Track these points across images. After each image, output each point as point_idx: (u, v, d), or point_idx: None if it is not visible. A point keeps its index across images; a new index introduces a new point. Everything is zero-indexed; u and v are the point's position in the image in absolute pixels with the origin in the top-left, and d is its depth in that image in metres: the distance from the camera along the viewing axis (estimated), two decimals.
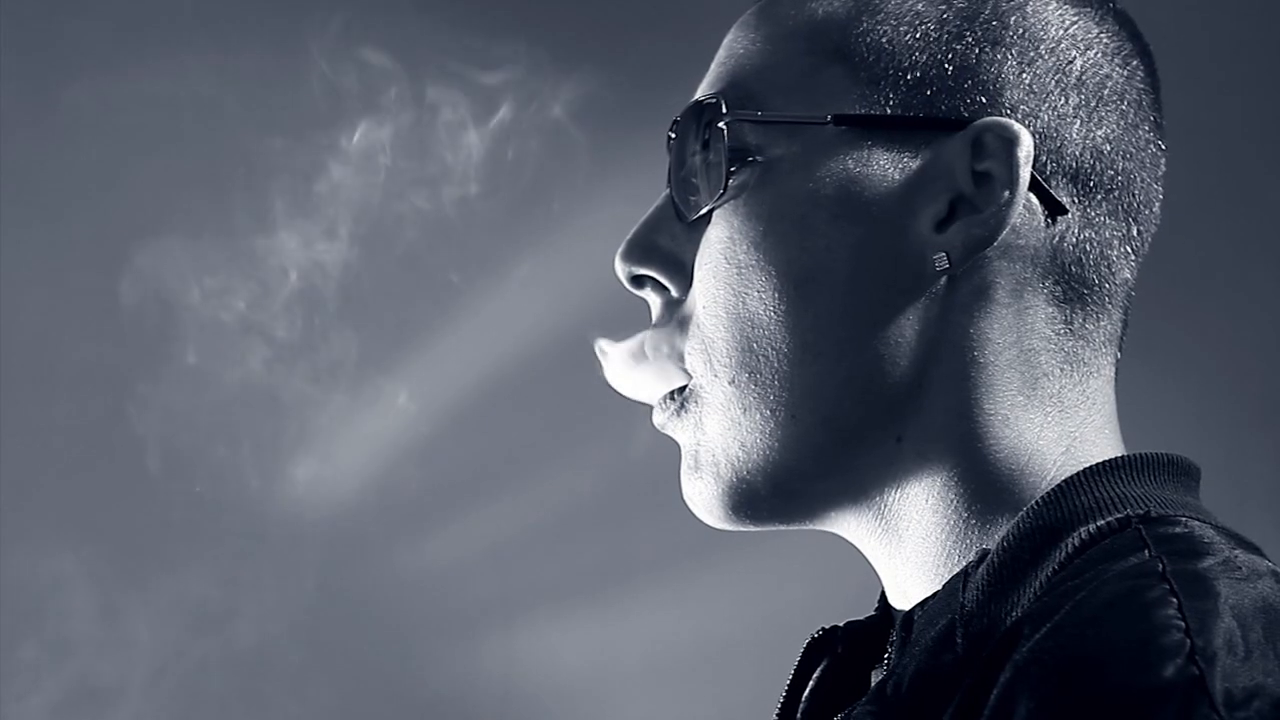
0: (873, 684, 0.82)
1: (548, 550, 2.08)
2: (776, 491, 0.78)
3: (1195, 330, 2.00)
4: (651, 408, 0.84)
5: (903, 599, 0.79)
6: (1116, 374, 0.80)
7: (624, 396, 0.86)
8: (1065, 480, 0.73)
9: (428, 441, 2.08)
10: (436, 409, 2.08)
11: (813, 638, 0.85)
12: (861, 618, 0.84)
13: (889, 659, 0.79)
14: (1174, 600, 0.61)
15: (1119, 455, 0.76)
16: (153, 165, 2.07)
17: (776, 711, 0.83)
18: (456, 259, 2.04)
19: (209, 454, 2.07)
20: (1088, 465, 0.75)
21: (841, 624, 0.85)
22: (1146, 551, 0.65)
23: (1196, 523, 0.69)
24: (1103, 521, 0.69)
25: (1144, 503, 0.71)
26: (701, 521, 0.81)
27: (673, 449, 0.84)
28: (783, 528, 0.80)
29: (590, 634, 2.07)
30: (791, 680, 0.84)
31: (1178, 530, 0.67)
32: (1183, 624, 0.60)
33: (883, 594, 0.83)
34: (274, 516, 2.07)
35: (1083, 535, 0.68)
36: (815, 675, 0.83)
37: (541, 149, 2.09)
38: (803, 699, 0.83)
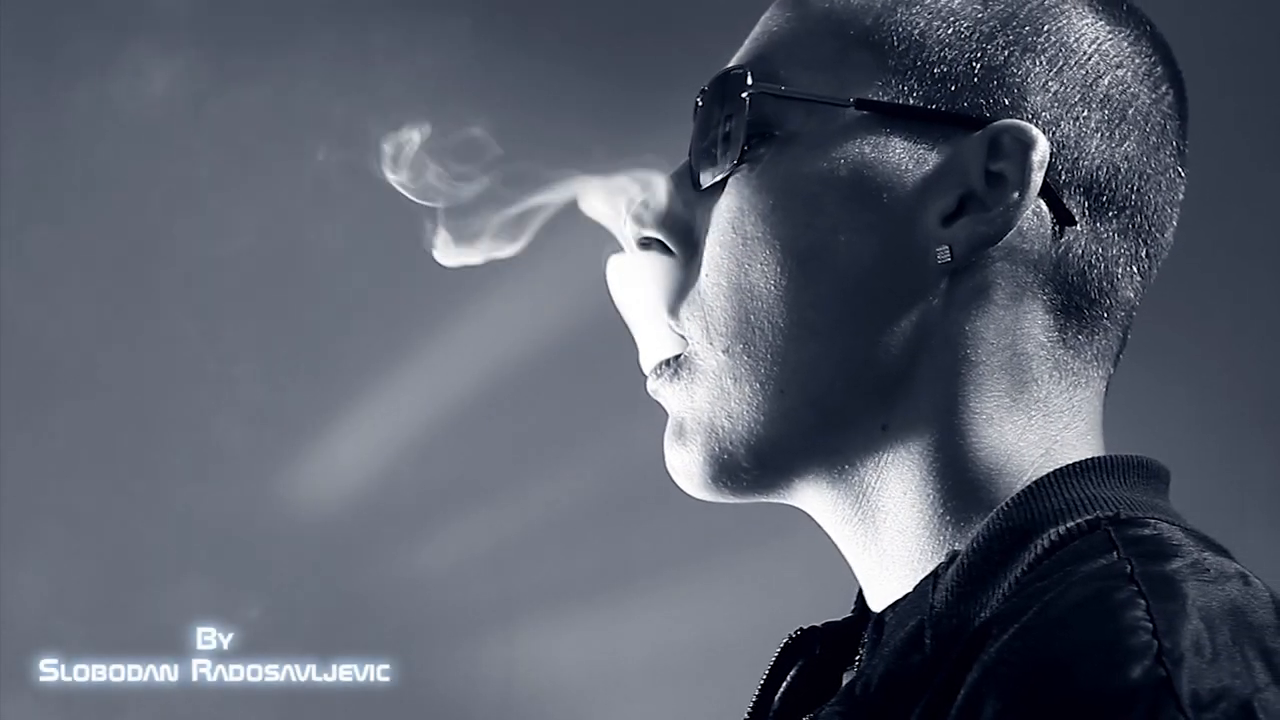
0: (843, 685, 0.82)
1: (548, 551, 2.08)
2: (757, 463, 0.78)
3: (1195, 330, 2.00)
4: (652, 403, 0.84)
5: (878, 599, 0.79)
6: (1108, 389, 0.81)
7: (623, 398, 0.86)
8: (1036, 481, 0.73)
9: (428, 441, 2.08)
10: (436, 409, 2.08)
11: (790, 638, 0.85)
12: (839, 619, 0.85)
13: (860, 660, 0.79)
14: (1142, 602, 0.61)
15: (1091, 457, 0.76)
16: (154, 166, 2.07)
17: (747, 712, 0.83)
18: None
19: (211, 454, 2.07)
20: (1060, 466, 0.75)
21: (820, 625, 0.85)
22: (1115, 553, 0.65)
23: (1165, 525, 0.69)
24: (1072, 523, 0.69)
25: (1114, 505, 0.71)
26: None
27: None
28: (761, 500, 0.80)
29: (590, 634, 2.07)
30: (765, 681, 0.84)
31: (1146, 532, 0.67)
32: (1150, 625, 0.60)
33: (860, 594, 0.83)
34: (274, 517, 2.07)
35: (1052, 536, 0.69)
36: (790, 676, 0.84)
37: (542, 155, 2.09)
38: (775, 700, 0.83)
